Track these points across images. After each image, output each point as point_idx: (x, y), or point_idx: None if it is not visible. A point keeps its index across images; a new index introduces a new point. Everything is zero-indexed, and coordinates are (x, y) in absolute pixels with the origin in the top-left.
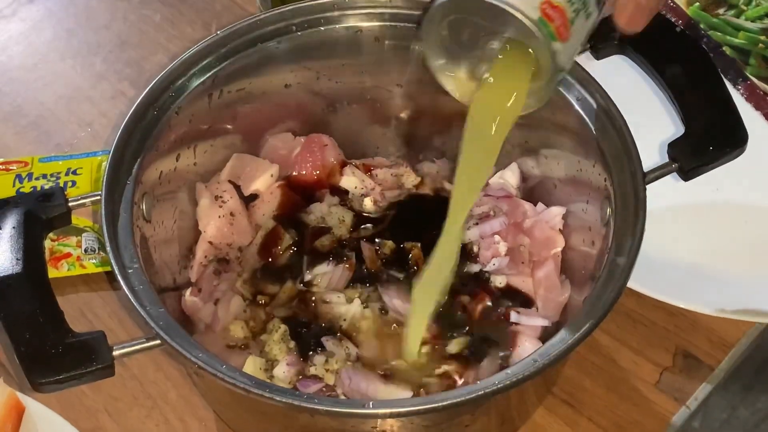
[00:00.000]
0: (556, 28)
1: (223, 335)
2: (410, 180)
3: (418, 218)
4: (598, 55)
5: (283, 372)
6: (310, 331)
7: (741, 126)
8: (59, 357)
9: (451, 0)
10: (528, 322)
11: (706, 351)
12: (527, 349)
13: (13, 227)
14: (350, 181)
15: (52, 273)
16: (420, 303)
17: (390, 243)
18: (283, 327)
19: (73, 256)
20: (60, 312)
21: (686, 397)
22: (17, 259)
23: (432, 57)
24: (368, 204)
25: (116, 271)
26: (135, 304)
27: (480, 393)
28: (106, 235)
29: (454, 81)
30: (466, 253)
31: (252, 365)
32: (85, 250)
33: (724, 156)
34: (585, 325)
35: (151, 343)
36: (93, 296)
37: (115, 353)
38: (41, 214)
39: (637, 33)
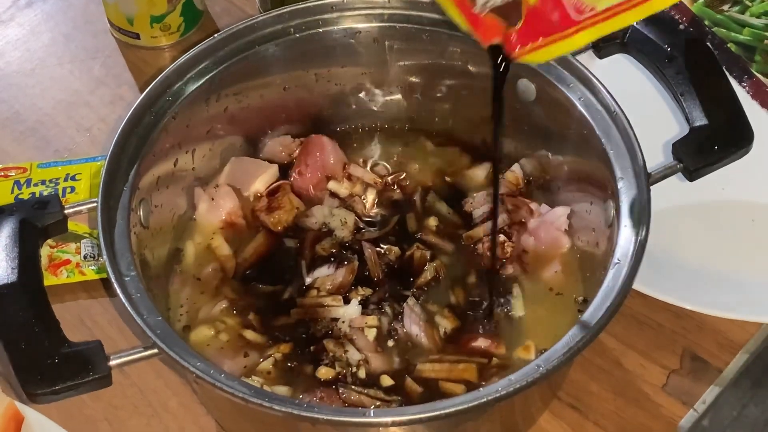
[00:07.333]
0: None
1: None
2: (414, 168)
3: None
4: (601, 54)
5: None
6: (310, 333)
7: (746, 125)
8: (55, 367)
9: None
10: None
11: (714, 353)
12: None
13: (9, 236)
14: (338, 186)
15: (51, 280)
16: None
17: (396, 249)
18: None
19: (72, 262)
20: (56, 321)
21: (694, 400)
22: (12, 268)
23: None
24: (369, 200)
25: (113, 280)
26: (132, 312)
27: (483, 400)
28: (102, 243)
29: None
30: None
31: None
32: (84, 257)
33: (729, 155)
34: (589, 330)
35: (149, 352)
36: (92, 303)
37: (112, 363)
38: (37, 222)
39: None
